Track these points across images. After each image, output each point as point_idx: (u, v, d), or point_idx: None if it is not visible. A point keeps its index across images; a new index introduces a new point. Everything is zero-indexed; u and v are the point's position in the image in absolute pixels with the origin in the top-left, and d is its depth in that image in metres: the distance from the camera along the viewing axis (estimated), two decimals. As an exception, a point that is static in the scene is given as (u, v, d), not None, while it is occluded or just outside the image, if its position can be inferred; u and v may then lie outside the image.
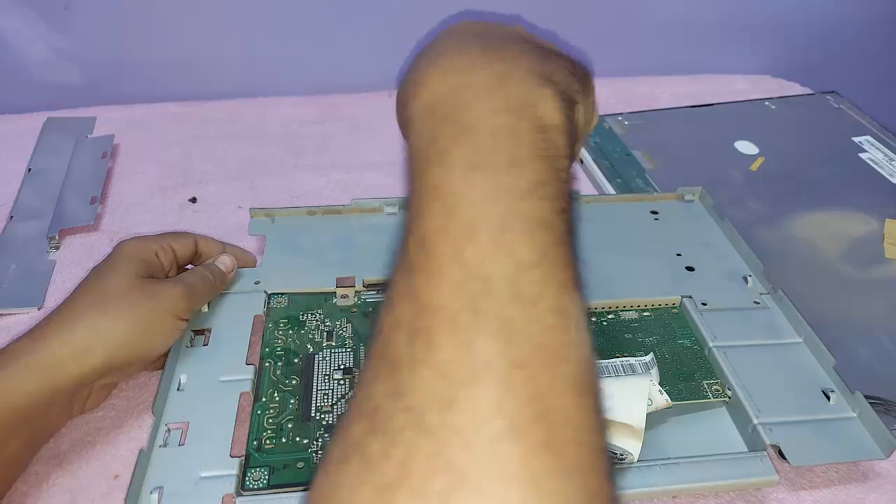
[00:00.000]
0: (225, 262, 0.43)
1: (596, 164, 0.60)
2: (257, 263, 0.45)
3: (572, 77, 0.29)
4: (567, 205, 0.24)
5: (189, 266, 0.43)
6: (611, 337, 0.41)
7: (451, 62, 0.26)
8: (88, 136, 0.61)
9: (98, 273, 0.37)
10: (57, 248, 0.50)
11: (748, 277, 0.45)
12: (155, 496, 0.32)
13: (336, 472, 0.19)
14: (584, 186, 0.59)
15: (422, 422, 0.18)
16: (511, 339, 0.20)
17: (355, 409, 0.20)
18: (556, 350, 0.20)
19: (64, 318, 0.34)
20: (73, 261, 0.50)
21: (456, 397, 0.19)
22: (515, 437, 0.18)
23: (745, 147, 0.64)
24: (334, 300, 0.44)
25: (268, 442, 0.35)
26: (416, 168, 0.24)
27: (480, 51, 0.27)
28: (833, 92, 0.72)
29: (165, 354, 0.39)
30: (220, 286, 0.42)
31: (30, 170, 0.57)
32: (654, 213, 0.51)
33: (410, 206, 0.24)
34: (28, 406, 0.32)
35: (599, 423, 0.20)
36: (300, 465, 0.34)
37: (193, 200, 0.56)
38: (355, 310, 0.43)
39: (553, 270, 0.22)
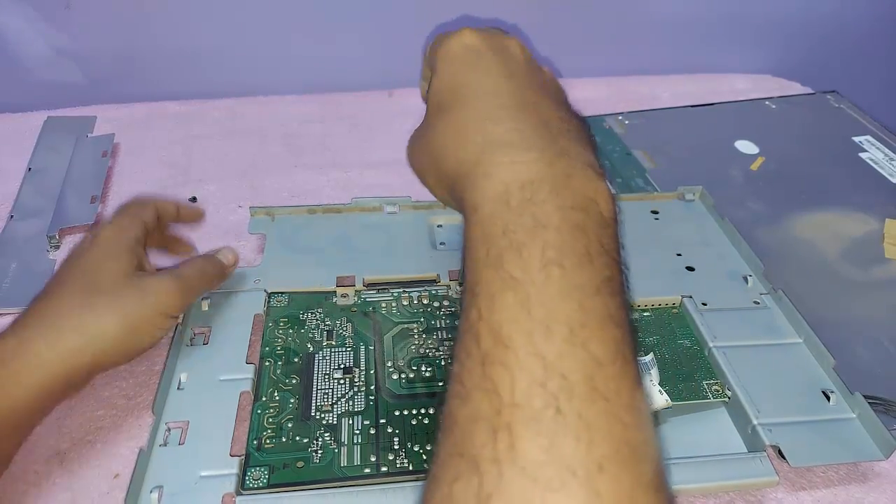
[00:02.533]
0: (227, 255, 0.41)
1: (596, 163, 0.60)
2: (256, 261, 0.45)
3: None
4: (628, 297, 0.24)
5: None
6: (611, 337, 0.41)
7: (514, 155, 0.27)
8: (89, 134, 0.61)
9: (84, 266, 0.35)
10: (57, 247, 0.50)
11: (748, 277, 0.45)
12: (155, 495, 0.32)
13: None
14: (584, 186, 0.59)
15: None
16: (593, 439, 0.20)
17: None
18: (635, 449, 0.20)
19: (50, 316, 0.33)
20: (73, 260, 0.50)
21: (545, 503, 0.19)
22: None
23: (745, 147, 0.64)
24: (334, 299, 0.44)
25: (268, 441, 0.35)
26: (488, 254, 0.24)
27: (538, 139, 0.27)
28: (833, 92, 0.72)
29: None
30: (219, 280, 0.41)
31: (30, 169, 0.57)
32: (655, 212, 0.51)
33: (480, 290, 0.24)
34: (16, 412, 0.31)
35: None
36: (300, 464, 0.34)
37: (193, 199, 0.56)
38: (355, 309, 0.43)
39: (625, 367, 0.22)
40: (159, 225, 0.41)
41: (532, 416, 0.20)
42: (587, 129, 0.31)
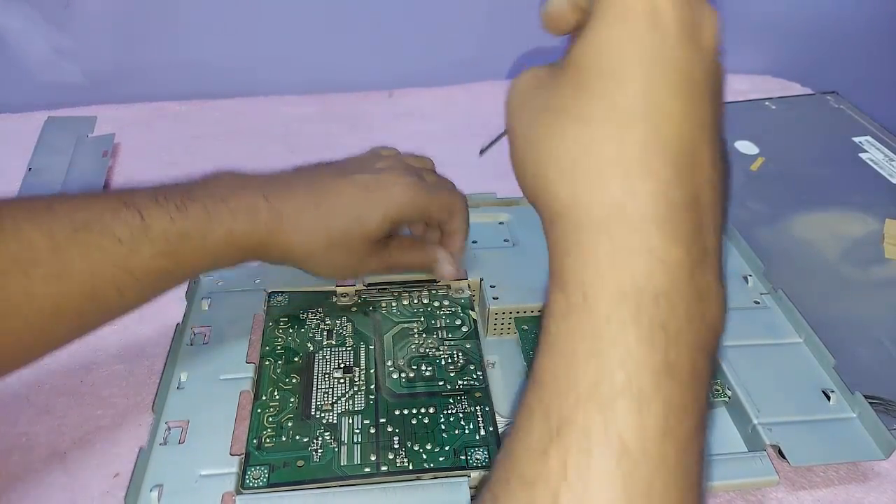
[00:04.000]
0: (447, 269, 0.42)
1: (596, 163, 0.60)
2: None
3: None
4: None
5: None
6: (611, 336, 0.41)
7: (654, 240, 0.20)
8: (89, 135, 0.61)
9: (367, 198, 0.37)
10: (57, 246, 0.50)
11: (748, 277, 0.45)
12: (155, 494, 0.32)
13: None
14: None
15: None
16: None
17: None
18: None
19: (301, 204, 0.36)
20: (73, 259, 0.49)
21: None
22: None
23: (745, 147, 0.64)
24: (334, 299, 0.44)
25: (268, 440, 0.35)
26: (597, 386, 0.19)
27: (689, 234, 0.21)
28: (833, 92, 0.72)
29: None
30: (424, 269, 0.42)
31: (30, 169, 0.57)
32: (655, 212, 0.51)
33: (568, 432, 0.19)
34: (214, 259, 0.35)
35: None
36: (300, 463, 0.34)
37: (194, 199, 0.56)
38: (355, 308, 0.43)
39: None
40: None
41: None
42: (726, 179, 0.24)
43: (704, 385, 0.20)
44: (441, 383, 0.38)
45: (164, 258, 0.32)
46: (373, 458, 0.34)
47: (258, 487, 0.33)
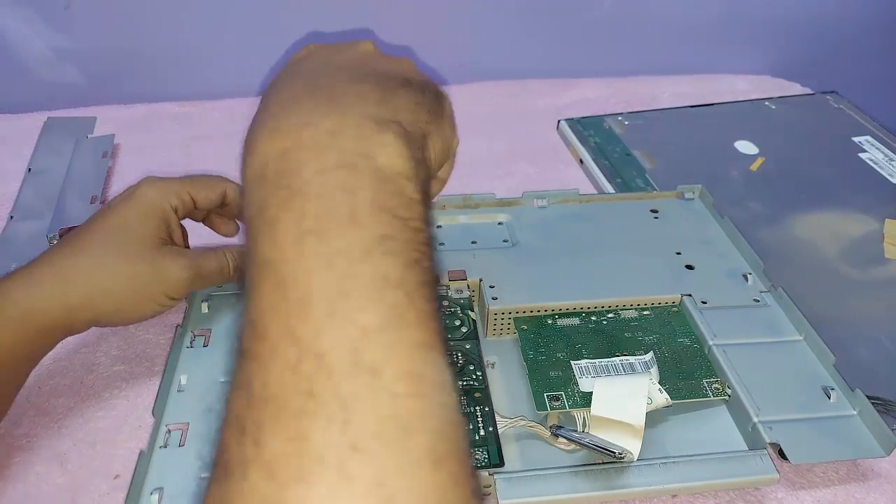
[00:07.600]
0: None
1: (596, 163, 0.60)
2: None
3: (420, 107, 0.27)
4: (423, 254, 0.22)
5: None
6: (611, 336, 0.41)
7: (278, 123, 0.24)
8: (89, 135, 0.61)
9: (111, 225, 0.35)
10: (57, 247, 0.50)
11: (748, 275, 0.45)
12: (155, 497, 0.32)
13: None
14: (584, 186, 0.59)
15: None
16: (349, 419, 0.18)
17: None
18: (408, 421, 0.18)
19: (64, 267, 0.33)
20: (73, 260, 0.49)
21: (283, 499, 0.17)
22: None
23: (745, 147, 0.64)
24: (334, 300, 0.44)
25: (268, 441, 0.35)
26: (248, 241, 0.22)
27: (311, 104, 0.25)
28: (833, 92, 0.72)
29: None
30: (236, 279, 0.39)
31: (30, 169, 0.57)
32: (654, 211, 0.51)
33: (246, 285, 0.22)
34: (13, 353, 0.33)
35: (462, 493, 0.18)
36: (300, 464, 0.34)
37: (193, 200, 0.56)
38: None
39: (404, 331, 0.20)
40: (225, 211, 0.41)
41: (279, 407, 0.18)
42: (419, 86, 0.28)
43: (351, 191, 0.22)
44: (441, 384, 0.38)
45: None
46: (373, 458, 0.34)
47: (259, 488, 0.33)
